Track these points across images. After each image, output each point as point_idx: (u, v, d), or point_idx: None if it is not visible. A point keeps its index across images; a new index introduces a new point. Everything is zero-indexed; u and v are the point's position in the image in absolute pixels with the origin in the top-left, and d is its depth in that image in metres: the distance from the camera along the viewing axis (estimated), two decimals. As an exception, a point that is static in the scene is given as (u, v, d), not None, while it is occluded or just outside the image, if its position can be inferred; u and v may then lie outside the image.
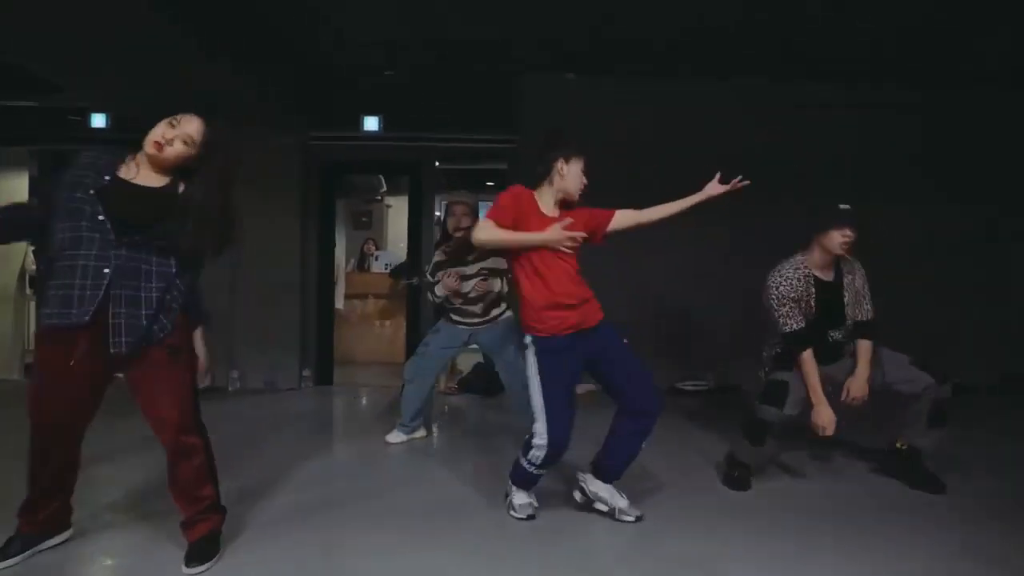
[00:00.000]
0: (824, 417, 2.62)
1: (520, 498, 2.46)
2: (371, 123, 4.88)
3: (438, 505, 2.57)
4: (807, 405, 2.68)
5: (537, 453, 2.32)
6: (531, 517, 2.41)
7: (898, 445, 2.77)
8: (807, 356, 2.66)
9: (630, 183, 4.51)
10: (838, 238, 2.66)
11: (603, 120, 4.54)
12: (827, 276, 2.78)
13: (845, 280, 2.82)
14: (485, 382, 4.74)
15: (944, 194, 4.72)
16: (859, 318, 2.78)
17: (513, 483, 2.48)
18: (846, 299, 2.79)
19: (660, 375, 4.66)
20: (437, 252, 3.40)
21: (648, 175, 4.44)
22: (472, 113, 4.86)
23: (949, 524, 2.40)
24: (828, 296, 2.75)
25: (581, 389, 4.73)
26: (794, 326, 2.68)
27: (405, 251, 5.66)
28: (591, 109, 4.59)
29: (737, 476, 2.78)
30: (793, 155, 4.59)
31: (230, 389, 4.86)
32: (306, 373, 5.04)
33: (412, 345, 4.83)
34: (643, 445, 2.39)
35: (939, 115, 4.74)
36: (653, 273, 4.65)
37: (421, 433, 3.50)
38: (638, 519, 2.39)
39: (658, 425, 2.39)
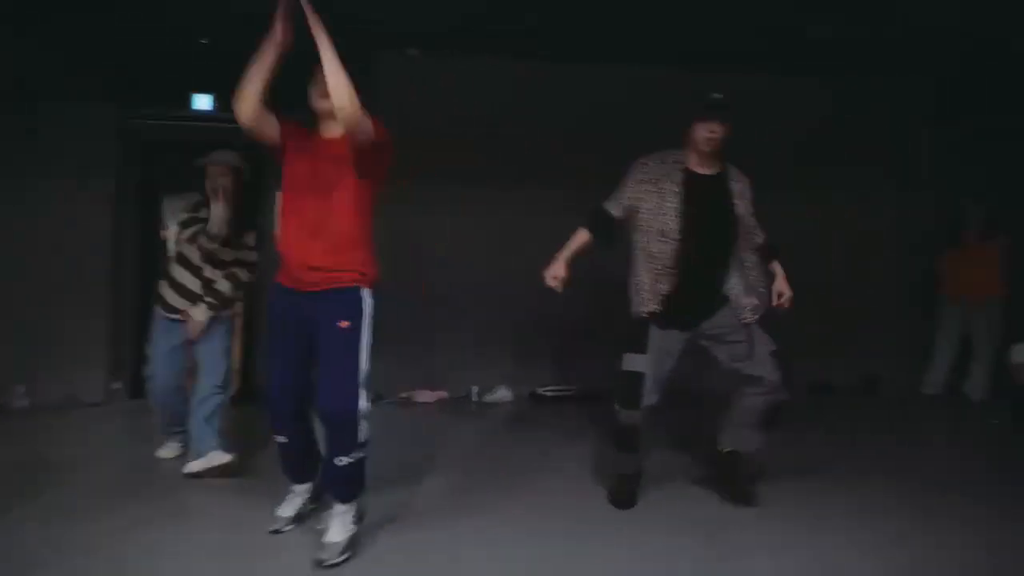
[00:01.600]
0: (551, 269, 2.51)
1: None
2: (202, 101, 4.34)
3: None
4: (665, 379, 2.44)
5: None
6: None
7: (719, 449, 2.60)
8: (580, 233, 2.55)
9: (474, 165, 4.42)
10: (703, 132, 2.36)
11: (454, 101, 4.36)
12: (706, 170, 2.44)
13: (733, 185, 2.47)
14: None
15: (803, 192, 4.77)
16: (758, 241, 2.52)
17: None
18: (735, 201, 2.43)
19: (520, 379, 4.61)
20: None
21: (493, 156, 4.37)
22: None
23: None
24: (710, 193, 2.41)
25: (431, 396, 4.50)
26: (611, 209, 2.48)
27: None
28: (446, 89, 4.40)
29: (621, 491, 2.53)
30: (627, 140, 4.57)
31: (16, 406, 4.06)
32: (116, 385, 4.33)
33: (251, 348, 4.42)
34: (339, 461, 1.99)
35: (792, 107, 4.79)
36: (510, 272, 4.44)
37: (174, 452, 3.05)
38: (322, 564, 1.98)
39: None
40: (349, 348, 2.00)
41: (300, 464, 2.26)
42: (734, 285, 2.46)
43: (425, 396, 4.40)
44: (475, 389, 4.47)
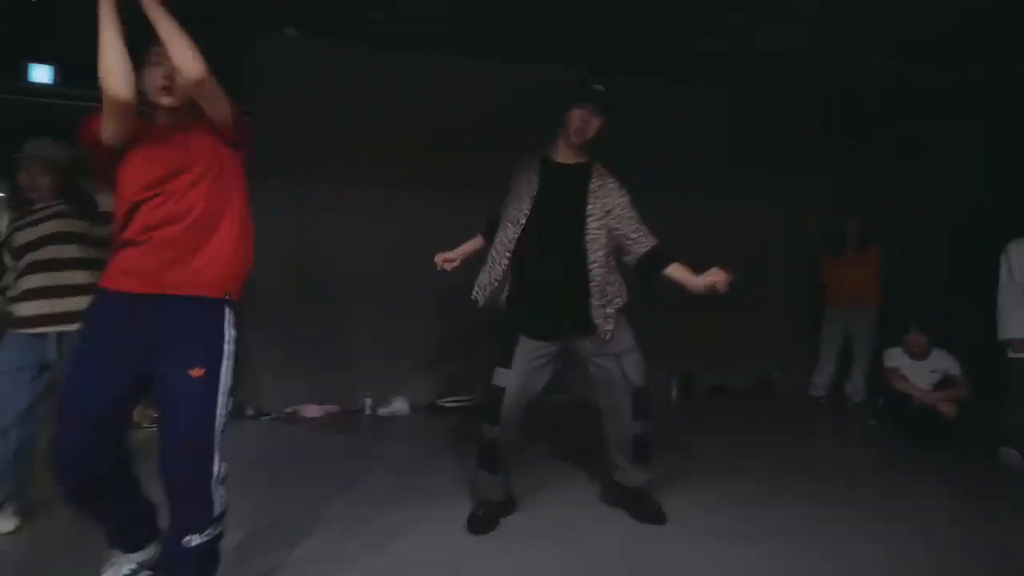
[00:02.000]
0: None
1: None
2: (40, 73, 3.71)
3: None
4: (532, 395, 2.28)
5: None
6: None
7: (615, 479, 2.50)
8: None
9: (366, 164, 4.12)
10: (575, 120, 2.20)
11: (339, 86, 4.04)
12: (567, 160, 2.29)
13: (593, 183, 2.26)
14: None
15: (701, 191, 4.85)
16: (642, 249, 2.29)
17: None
18: (589, 197, 2.23)
19: (418, 391, 4.36)
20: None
21: (385, 151, 4.07)
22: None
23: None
24: (563, 186, 2.22)
25: (319, 411, 4.15)
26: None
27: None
28: (327, 74, 4.05)
29: (481, 515, 2.34)
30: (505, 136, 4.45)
31: None
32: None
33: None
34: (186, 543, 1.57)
35: (685, 114, 4.82)
36: (408, 276, 4.15)
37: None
38: None
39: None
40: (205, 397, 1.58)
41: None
42: (597, 308, 2.27)
43: (312, 411, 4.03)
44: (368, 401, 4.15)
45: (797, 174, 5.09)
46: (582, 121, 2.21)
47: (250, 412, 3.95)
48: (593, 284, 2.25)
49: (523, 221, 2.22)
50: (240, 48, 3.83)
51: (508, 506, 2.44)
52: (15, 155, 2.32)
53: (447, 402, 4.33)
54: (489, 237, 2.42)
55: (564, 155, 2.31)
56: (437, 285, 4.16)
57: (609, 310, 2.28)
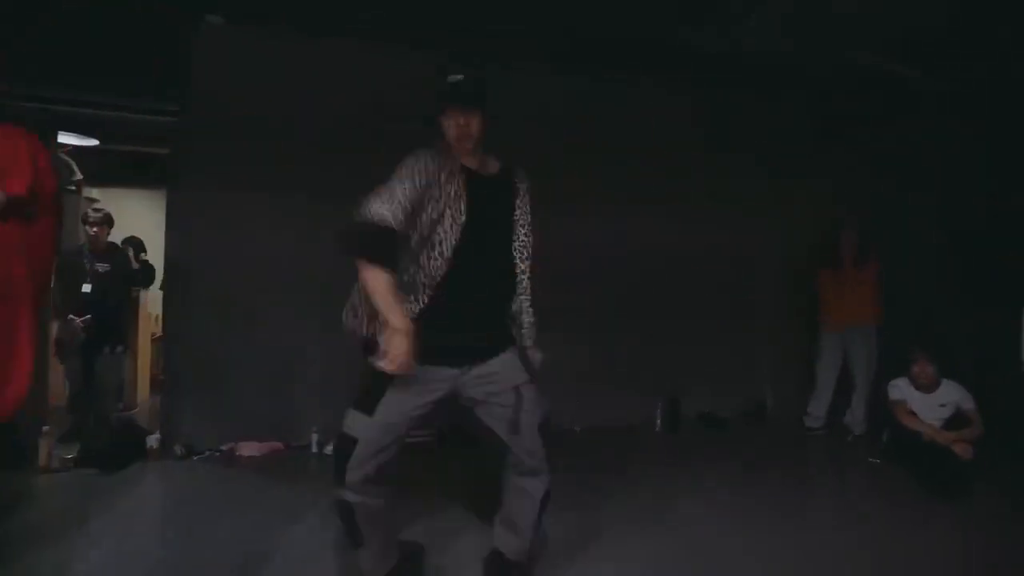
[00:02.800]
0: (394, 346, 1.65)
1: None
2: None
3: None
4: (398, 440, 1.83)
5: None
6: None
7: (499, 550, 2.10)
8: (373, 273, 1.69)
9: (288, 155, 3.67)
10: (451, 128, 1.84)
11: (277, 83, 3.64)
12: (484, 171, 1.93)
13: (519, 187, 1.98)
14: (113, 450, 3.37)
15: (689, 201, 4.53)
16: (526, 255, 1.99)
17: None
18: (517, 212, 1.97)
19: None
20: None
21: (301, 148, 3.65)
22: (122, 71, 3.48)
23: None
24: (488, 196, 1.88)
25: (259, 449, 3.71)
26: (377, 209, 1.69)
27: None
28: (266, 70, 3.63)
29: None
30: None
31: None
32: None
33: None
34: None
35: (672, 119, 4.52)
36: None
37: None
38: None
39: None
40: None
41: None
42: (525, 326, 2.00)
43: (251, 448, 3.59)
44: (315, 438, 3.71)
45: (789, 185, 4.75)
46: (458, 125, 1.83)
47: (179, 451, 3.50)
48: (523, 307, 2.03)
49: (451, 250, 1.82)
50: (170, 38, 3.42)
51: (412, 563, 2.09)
52: None
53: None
54: (382, 257, 1.73)
55: (478, 165, 1.93)
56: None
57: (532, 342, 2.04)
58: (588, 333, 4.26)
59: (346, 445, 1.81)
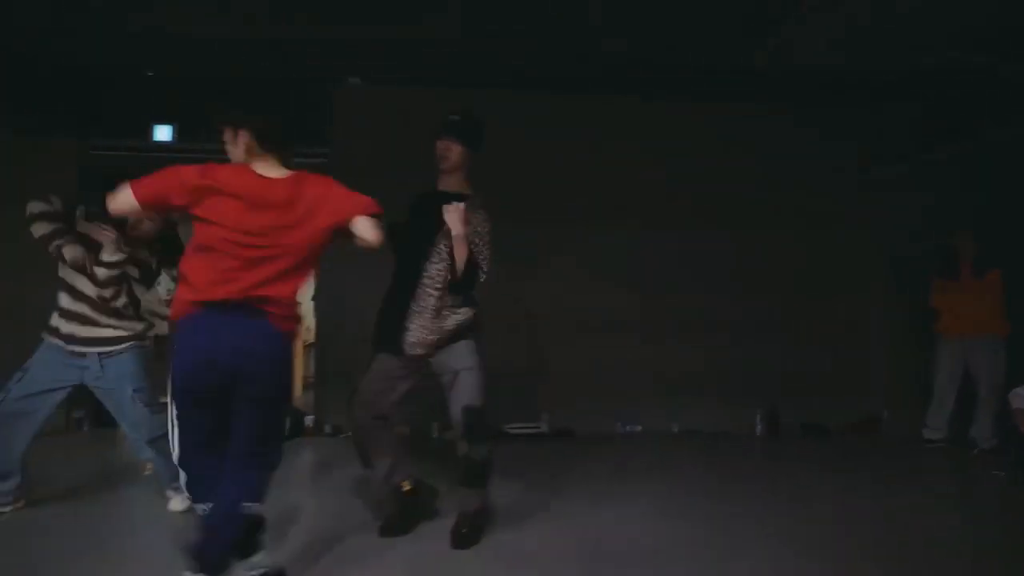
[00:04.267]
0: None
1: None
2: (162, 132, 4.31)
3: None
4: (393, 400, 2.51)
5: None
6: None
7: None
8: None
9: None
10: (439, 150, 2.48)
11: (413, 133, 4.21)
12: (447, 188, 2.50)
13: (473, 213, 2.44)
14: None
15: (788, 224, 4.59)
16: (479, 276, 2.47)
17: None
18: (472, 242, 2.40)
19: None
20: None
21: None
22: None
23: None
24: (440, 210, 2.38)
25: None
26: None
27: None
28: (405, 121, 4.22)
29: (465, 532, 2.41)
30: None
31: None
32: (78, 414, 4.31)
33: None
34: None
35: (773, 139, 4.61)
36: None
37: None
38: None
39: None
40: None
41: None
42: (464, 323, 2.45)
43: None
44: (435, 426, 4.28)
45: (898, 193, 4.58)
46: (443, 149, 2.47)
47: (328, 429, 4.24)
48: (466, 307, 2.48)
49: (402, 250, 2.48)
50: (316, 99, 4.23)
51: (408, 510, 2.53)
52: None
53: (514, 428, 4.35)
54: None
55: (447, 184, 2.52)
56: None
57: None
58: (691, 337, 4.47)
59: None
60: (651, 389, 4.45)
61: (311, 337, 5.85)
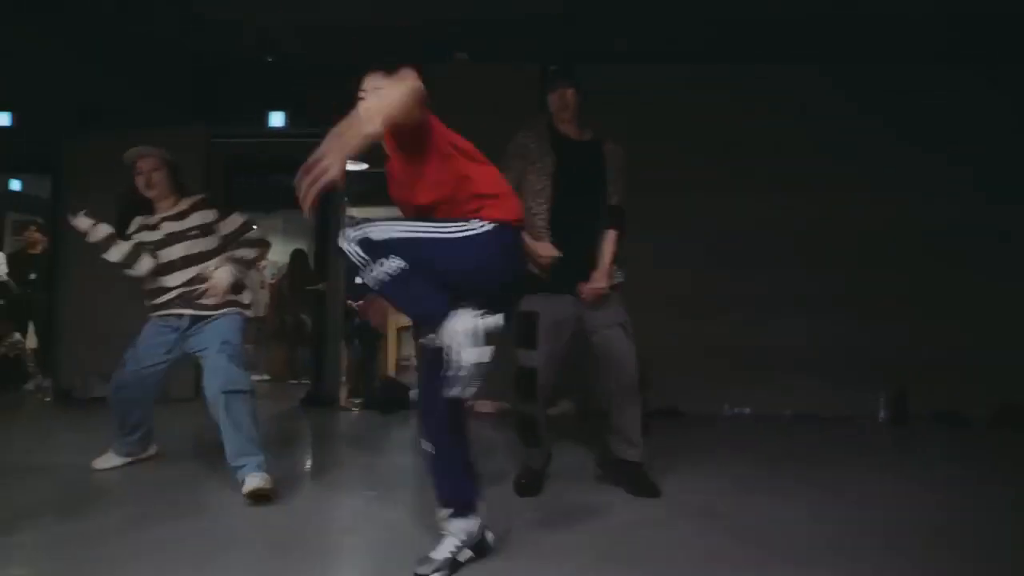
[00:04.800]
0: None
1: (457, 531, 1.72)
2: (276, 118, 4.56)
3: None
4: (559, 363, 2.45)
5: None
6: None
7: (620, 457, 2.53)
8: None
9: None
10: (555, 101, 2.48)
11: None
12: (577, 136, 2.51)
13: (606, 148, 2.52)
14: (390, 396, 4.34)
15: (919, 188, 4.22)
16: (612, 201, 2.51)
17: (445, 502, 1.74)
18: (608, 168, 2.48)
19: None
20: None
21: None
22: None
23: None
24: (580, 160, 2.46)
25: (491, 407, 4.38)
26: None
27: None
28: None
29: (525, 482, 2.51)
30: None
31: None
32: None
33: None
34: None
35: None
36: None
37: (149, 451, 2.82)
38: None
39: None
40: None
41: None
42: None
43: (485, 406, 4.29)
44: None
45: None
46: (563, 98, 2.47)
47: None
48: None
49: (550, 200, 2.42)
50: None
51: (542, 472, 2.57)
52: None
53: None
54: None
55: (572, 132, 2.51)
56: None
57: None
58: (811, 316, 4.24)
59: (522, 374, 2.43)
60: (762, 370, 4.23)
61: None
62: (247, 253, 2.61)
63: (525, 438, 2.55)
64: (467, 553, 1.75)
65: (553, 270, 2.37)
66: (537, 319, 2.39)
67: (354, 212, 5.99)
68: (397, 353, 6.41)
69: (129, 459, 2.75)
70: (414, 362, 6.18)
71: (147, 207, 2.63)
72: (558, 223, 2.40)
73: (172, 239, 2.56)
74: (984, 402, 4.09)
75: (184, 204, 2.61)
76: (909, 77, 4.33)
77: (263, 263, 6.21)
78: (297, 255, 6.14)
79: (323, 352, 4.70)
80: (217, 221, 2.61)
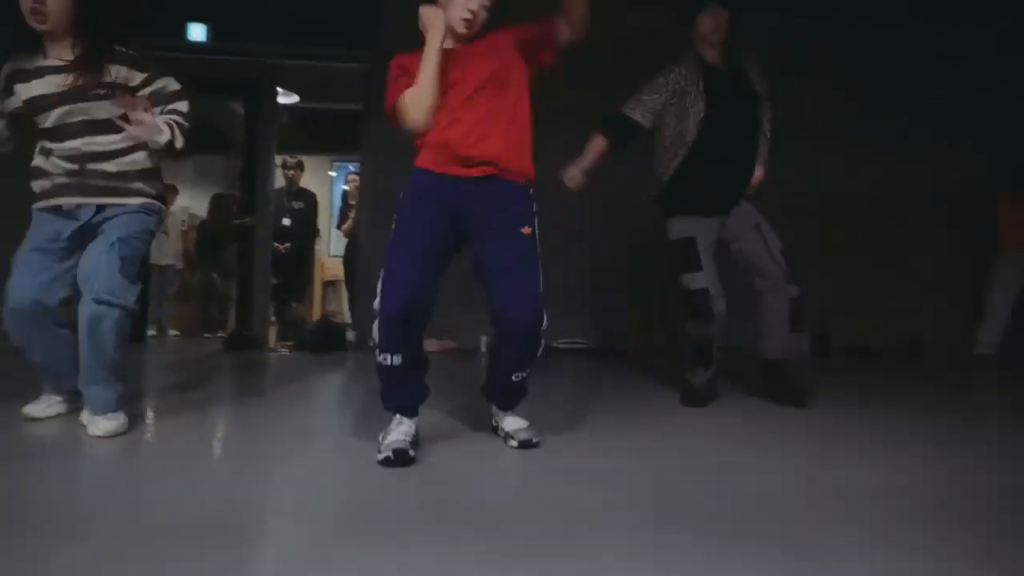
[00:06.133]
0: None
1: (394, 431, 1.75)
2: (197, 31, 4.10)
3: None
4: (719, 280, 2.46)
5: (374, 323, 1.76)
6: (400, 458, 1.65)
7: (763, 358, 2.54)
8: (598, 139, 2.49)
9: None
10: (709, 23, 2.42)
11: None
12: (721, 65, 2.49)
13: (751, 70, 2.52)
14: (324, 337, 4.03)
15: (841, 144, 4.45)
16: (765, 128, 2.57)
17: (387, 408, 1.83)
18: (758, 89, 2.50)
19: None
20: None
21: None
22: (324, 26, 4.17)
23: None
24: (728, 86, 2.45)
25: (437, 346, 4.20)
26: (629, 109, 2.46)
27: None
28: None
29: (692, 396, 2.54)
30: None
31: None
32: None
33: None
34: (516, 377, 1.86)
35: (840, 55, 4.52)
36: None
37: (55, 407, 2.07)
38: (526, 443, 1.86)
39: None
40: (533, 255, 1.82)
41: (412, 387, 1.85)
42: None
43: (429, 345, 4.08)
44: (484, 339, 4.16)
45: (957, 113, 4.52)
46: (717, 18, 2.42)
47: (371, 343, 4.07)
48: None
49: (701, 133, 2.43)
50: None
51: (714, 385, 2.58)
52: None
53: (561, 343, 4.24)
54: (616, 138, 2.50)
55: (719, 60, 2.49)
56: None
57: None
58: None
59: (693, 297, 2.45)
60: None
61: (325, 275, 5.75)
62: (183, 118, 2.01)
63: (697, 358, 2.51)
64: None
65: (705, 195, 2.45)
66: (695, 242, 2.44)
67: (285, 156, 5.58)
68: (323, 308, 6.02)
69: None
70: (339, 317, 5.86)
71: (32, 46, 1.94)
72: (713, 151, 2.41)
73: (62, 99, 1.89)
74: (894, 335, 4.51)
75: (88, 50, 1.91)
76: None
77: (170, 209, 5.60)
78: (218, 200, 5.60)
79: (248, 292, 4.28)
80: (140, 85, 1.96)
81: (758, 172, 2.54)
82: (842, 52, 4.54)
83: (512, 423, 1.94)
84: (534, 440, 1.88)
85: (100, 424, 1.86)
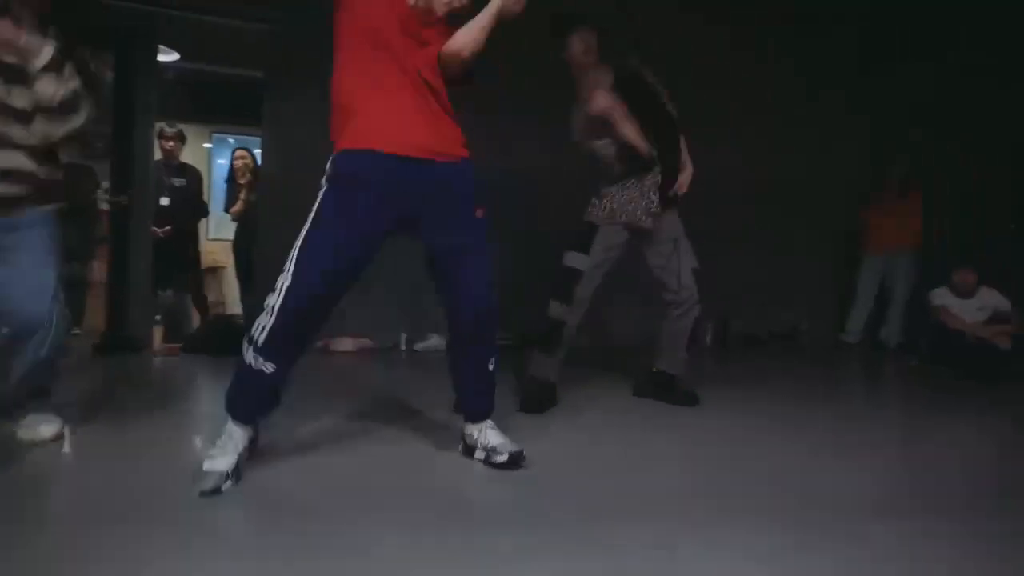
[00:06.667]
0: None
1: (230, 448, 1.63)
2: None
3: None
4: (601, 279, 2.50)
5: (262, 322, 1.61)
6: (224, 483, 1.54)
7: (654, 370, 2.69)
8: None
9: None
10: (578, 45, 2.44)
11: None
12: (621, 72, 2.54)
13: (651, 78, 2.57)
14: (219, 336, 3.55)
15: (726, 137, 4.51)
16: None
17: (228, 411, 1.69)
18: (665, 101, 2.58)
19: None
20: None
21: None
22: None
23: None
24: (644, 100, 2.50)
25: (352, 345, 3.91)
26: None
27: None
28: None
29: (534, 397, 2.47)
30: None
31: None
32: None
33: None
34: (491, 365, 1.88)
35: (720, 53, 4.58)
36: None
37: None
38: (516, 458, 1.80)
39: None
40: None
41: (271, 399, 1.73)
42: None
43: (344, 344, 3.79)
44: (404, 337, 3.93)
45: (835, 115, 4.92)
46: (583, 43, 2.46)
47: (247, 341, 3.66)
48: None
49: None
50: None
51: (554, 388, 2.54)
52: None
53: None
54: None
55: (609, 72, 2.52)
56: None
57: None
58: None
59: (565, 275, 2.46)
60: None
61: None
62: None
63: (546, 341, 2.48)
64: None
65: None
66: (598, 229, 2.45)
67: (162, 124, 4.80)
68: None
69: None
70: (221, 309, 5.27)
71: None
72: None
73: None
74: (771, 325, 4.92)
75: None
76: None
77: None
78: (72, 170, 4.65)
79: (124, 285, 3.64)
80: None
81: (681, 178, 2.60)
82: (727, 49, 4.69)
83: (494, 436, 1.84)
84: (524, 454, 1.79)
85: (46, 430, 1.84)
